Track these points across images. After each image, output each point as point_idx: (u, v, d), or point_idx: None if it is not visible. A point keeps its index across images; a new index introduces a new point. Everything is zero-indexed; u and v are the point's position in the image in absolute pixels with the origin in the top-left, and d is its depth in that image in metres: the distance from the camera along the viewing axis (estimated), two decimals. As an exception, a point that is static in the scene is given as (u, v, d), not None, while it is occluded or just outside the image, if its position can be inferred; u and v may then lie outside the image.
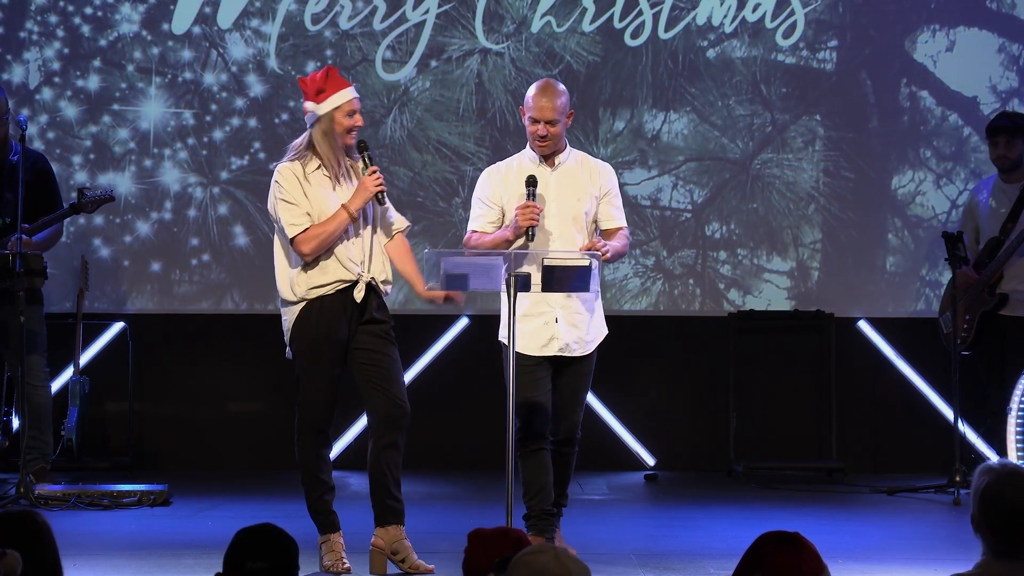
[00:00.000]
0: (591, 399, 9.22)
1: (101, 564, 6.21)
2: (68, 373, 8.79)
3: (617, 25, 9.25)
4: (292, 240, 6.08)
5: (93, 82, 9.17)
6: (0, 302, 7.89)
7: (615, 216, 6.53)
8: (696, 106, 9.29)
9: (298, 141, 6.24)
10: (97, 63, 9.17)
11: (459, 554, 3.88)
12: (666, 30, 9.26)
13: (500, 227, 6.43)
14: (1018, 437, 7.22)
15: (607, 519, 7.81)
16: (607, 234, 6.51)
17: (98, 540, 6.82)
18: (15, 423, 8.57)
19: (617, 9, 9.23)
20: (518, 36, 9.23)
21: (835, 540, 6.73)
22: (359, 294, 6.10)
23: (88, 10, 9.17)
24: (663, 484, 9.05)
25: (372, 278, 6.15)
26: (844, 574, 5.90)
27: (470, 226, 6.51)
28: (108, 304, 9.21)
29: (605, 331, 6.59)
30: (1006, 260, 8.38)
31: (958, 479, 8.17)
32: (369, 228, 6.20)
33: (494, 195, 6.46)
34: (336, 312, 6.09)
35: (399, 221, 6.35)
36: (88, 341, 9.06)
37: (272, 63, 9.18)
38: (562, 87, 6.47)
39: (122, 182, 9.17)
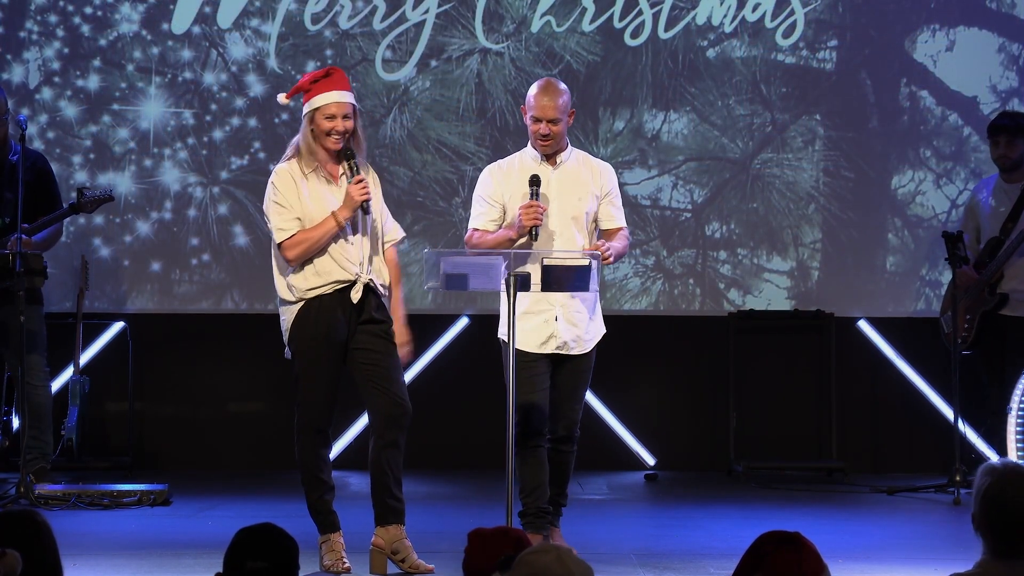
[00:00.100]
0: (591, 399, 9.23)
1: (101, 564, 6.21)
2: (68, 373, 8.79)
3: (617, 25, 9.25)
4: (279, 245, 6.11)
5: (93, 82, 9.17)
6: (0, 302, 7.89)
7: (615, 216, 6.54)
8: (696, 106, 9.29)
9: (296, 138, 6.25)
10: (97, 63, 9.17)
11: (459, 554, 3.88)
12: (666, 30, 9.26)
13: (501, 225, 6.43)
14: (1018, 437, 7.22)
15: (607, 519, 7.81)
16: (607, 234, 6.52)
17: (98, 540, 6.82)
18: (15, 423, 8.57)
19: (617, 9, 9.23)
20: (518, 36, 9.23)
21: (835, 540, 6.73)
22: (356, 295, 6.10)
23: (88, 10, 9.17)
24: (663, 484, 9.05)
25: (371, 280, 6.15)
26: (844, 574, 5.90)
27: (471, 224, 6.51)
28: (108, 304, 9.22)
29: (603, 330, 6.59)
30: (1006, 260, 8.38)
31: (958, 479, 8.17)
32: (369, 231, 6.19)
33: (495, 193, 6.46)
34: (334, 312, 6.09)
35: (391, 232, 6.33)
36: (88, 341, 9.06)
37: (272, 63, 9.18)
38: (563, 86, 6.47)
39: (122, 182, 9.17)
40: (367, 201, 6.06)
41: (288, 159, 6.19)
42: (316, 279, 6.09)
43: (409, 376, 9.18)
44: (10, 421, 8.63)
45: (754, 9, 9.27)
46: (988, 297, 8.44)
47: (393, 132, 9.24)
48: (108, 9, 9.17)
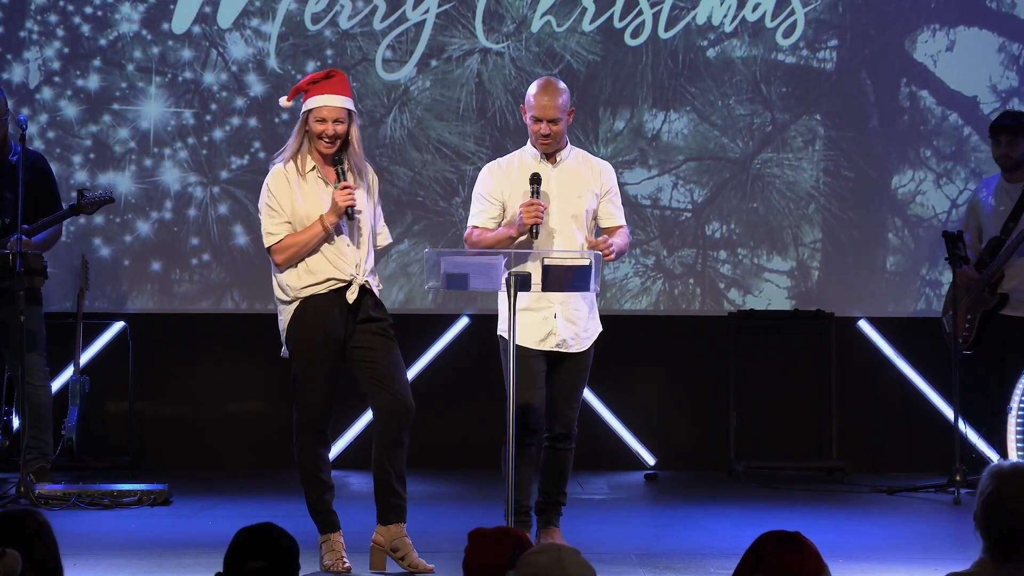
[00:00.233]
0: (591, 398, 9.23)
1: (101, 563, 6.21)
2: (68, 372, 8.79)
3: (617, 25, 9.25)
4: (268, 249, 6.14)
5: (93, 81, 9.17)
6: (0, 301, 7.89)
7: (615, 214, 6.55)
8: (696, 106, 9.29)
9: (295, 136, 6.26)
10: (97, 62, 9.17)
11: (459, 553, 3.87)
12: (666, 30, 9.26)
13: (500, 223, 6.43)
14: (1018, 437, 7.22)
15: (607, 518, 7.81)
16: (608, 232, 6.53)
17: (98, 539, 6.82)
18: (15, 423, 8.57)
19: (617, 9, 9.23)
20: (518, 36, 9.23)
21: (835, 539, 6.73)
22: (351, 296, 6.10)
23: (88, 9, 9.17)
24: (663, 483, 9.05)
25: (366, 281, 6.15)
26: (844, 574, 5.90)
27: (471, 222, 6.51)
28: (108, 304, 9.22)
29: (600, 328, 6.59)
30: (1007, 259, 8.38)
31: (958, 478, 8.17)
32: (367, 232, 6.19)
33: (495, 191, 6.47)
34: (331, 311, 6.09)
35: (381, 237, 6.34)
36: (88, 340, 9.06)
37: (272, 63, 9.18)
38: (563, 85, 6.48)
39: (122, 182, 9.17)
40: (352, 207, 6.06)
41: (286, 158, 6.19)
42: (309, 277, 6.10)
43: (410, 376, 9.13)
44: (10, 421, 8.63)
45: (754, 9, 9.27)
46: (988, 297, 8.44)
47: (393, 132, 9.24)
48: (108, 9, 9.17)
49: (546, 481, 6.58)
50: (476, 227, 6.47)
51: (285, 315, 6.16)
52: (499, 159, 6.67)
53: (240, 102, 9.20)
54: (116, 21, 9.18)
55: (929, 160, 9.38)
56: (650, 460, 9.37)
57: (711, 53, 9.29)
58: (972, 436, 8.73)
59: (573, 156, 6.55)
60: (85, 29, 9.17)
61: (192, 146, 9.20)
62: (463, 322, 9.32)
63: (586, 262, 6.00)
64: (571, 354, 6.46)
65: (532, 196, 6.28)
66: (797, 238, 9.36)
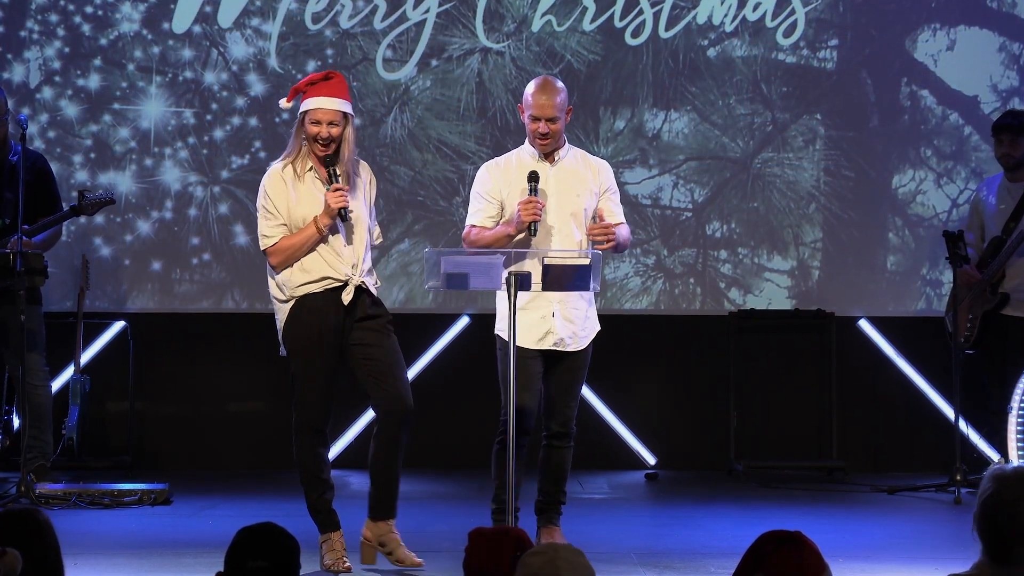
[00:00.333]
0: (592, 398, 9.23)
1: (102, 563, 6.21)
2: (69, 372, 8.79)
3: (618, 24, 9.25)
4: (263, 251, 6.17)
5: (94, 81, 9.17)
6: (0, 301, 7.89)
7: (615, 212, 6.55)
8: (697, 105, 9.29)
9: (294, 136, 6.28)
10: (98, 62, 9.17)
11: (459, 553, 3.87)
12: (666, 29, 9.26)
13: (499, 222, 6.43)
14: (1019, 436, 7.22)
15: (608, 518, 7.81)
16: None
17: (99, 539, 6.82)
18: (15, 422, 8.57)
19: (617, 8, 9.23)
20: (519, 35, 9.23)
21: (836, 539, 6.72)
22: (347, 297, 6.11)
23: (88, 9, 9.17)
24: (664, 483, 9.05)
25: (363, 281, 6.15)
26: (845, 573, 5.90)
27: (469, 220, 6.52)
28: (109, 303, 9.22)
29: (598, 326, 6.59)
30: (1007, 259, 8.38)
31: (959, 478, 8.17)
32: (362, 232, 6.19)
33: (493, 190, 6.47)
34: (327, 311, 6.10)
35: (372, 235, 6.35)
36: (89, 340, 9.06)
37: (273, 62, 9.18)
38: (560, 84, 6.48)
39: (123, 181, 9.17)
40: (345, 209, 6.06)
41: (284, 158, 6.21)
42: (304, 276, 6.11)
43: (410, 375, 9.14)
44: (10, 420, 8.63)
45: (755, 8, 9.27)
46: (989, 297, 8.44)
47: (394, 131, 9.24)
48: (109, 8, 9.17)
49: (545, 480, 6.58)
50: (474, 226, 6.47)
51: (281, 314, 6.18)
52: (497, 158, 6.67)
53: (241, 102, 9.20)
54: (117, 21, 9.18)
55: (930, 159, 9.38)
56: (650, 459, 9.37)
57: (712, 53, 9.29)
58: (973, 436, 8.72)
59: (571, 155, 6.55)
60: (86, 29, 9.17)
61: (193, 146, 9.20)
62: (463, 321, 9.32)
63: (586, 261, 6.00)
64: (569, 353, 6.46)
65: (530, 194, 6.28)
66: (798, 238, 9.36)
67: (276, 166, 6.20)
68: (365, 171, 6.29)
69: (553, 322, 6.40)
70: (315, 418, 6.15)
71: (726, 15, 9.26)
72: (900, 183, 9.38)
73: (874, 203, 9.38)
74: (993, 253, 8.45)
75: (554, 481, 6.56)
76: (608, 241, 6.30)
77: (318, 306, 6.10)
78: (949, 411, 8.76)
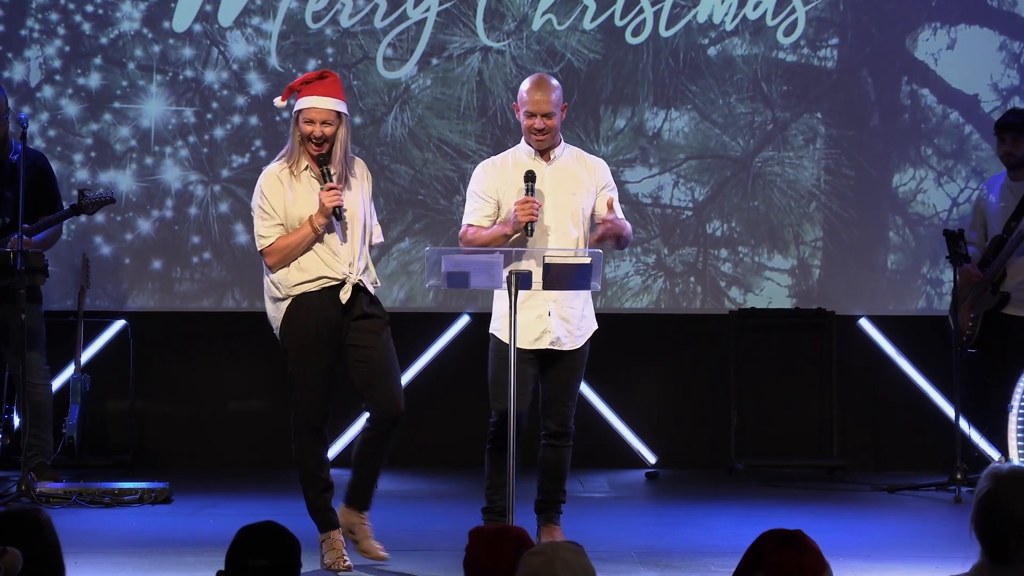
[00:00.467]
0: (592, 397, 9.23)
1: (102, 562, 6.21)
2: (69, 371, 8.79)
3: (618, 23, 9.25)
4: (260, 251, 6.18)
5: (94, 80, 9.17)
6: (0, 300, 7.89)
7: (614, 208, 6.54)
8: (697, 104, 9.29)
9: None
10: (98, 61, 9.17)
11: (459, 552, 3.87)
12: (667, 28, 9.26)
13: (495, 221, 6.43)
14: (1019, 435, 7.21)
15: (608, 517, 7.81)
16: None
17: (99, 538, 6.82)
18: (16, 421, 8.57)
19: (618, 7, 9.23)
20: (519, 34, 9.23)
21: (836, 538, 6.72)
22: (345, 296, 6.11)
23: (89, 8, 9.16)
24: (664, 482, 9.05)
25: (360, 280, 6.15)
26: (846, 572, 5.90)
27: (465, 220, 6.52)
28: (109, 302, 9.22)
29: (595, 325, 6.58)
30: (1007, 258, 8.37)
31: (959, 477, 8.17)
32: (360, 231, 6.19)
33: (490, 189, 6.47)
34: (324, 310, 6.10)
35: (373, 234, 6.35)
36: (89, 339, 9.06)
37: (273, 61, 9.18)
38: (555, 81, 6.49)
39: (123, 180, 9.17)
40: (340, 207, 6.07)
41: (280, 158, 6.22)
42: (301, 275, 6.12)
43: (410, 374, 9.19)
44: (11, 419, 8.63)
45: (755, 7, 9.27)
46: (990, 296, 8.44)
47: (394, 130, 9.24)
48: (109, 7, 9.17)
49: (544, 479, 6.58)
50: (471, 225, 6.47)
51: (278, 312, 6.18)
52: (493, 157, 6.68)
53: (241, 100, 9.20)
54: (117, 19, 9.18)
55: (930, 158, 9.38)
56: (651, 458, 9.37)
57: (712, 51, 9.29)
58: (973, 435, 8.72)
59: (567, 153, 6.55)
60: (86, 27, 9.17)
61: (193, 144, 9.20)
62: (464, 320, 9.32)
63: (587, 260, 6.00)
64: (566, 352, 6.45)
65: (527, 193, 6.28)
66: (798, 236, 9.36)
67: (272, 167, 6.23)
68: (361, 169, 6.29)
69: (549, 321, 6.39)
70: (313, 417, 6.15)
71: (726, 14, 9.26)
72: (900, 182, 9.38)
73: (874, 202, 9.38)
74: (994, 252, 8.44)
75: (553, 480, 6.56)
76: (609, 226, 6.31)
77: (315, 305, 6.11)
78: (950, 410, 8.76)
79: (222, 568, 3.41)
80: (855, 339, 9.40)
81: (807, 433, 9.44)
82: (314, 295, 6.12)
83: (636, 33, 9.27)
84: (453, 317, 9.32)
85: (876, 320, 9.41)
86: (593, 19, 9.24)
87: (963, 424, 8.41)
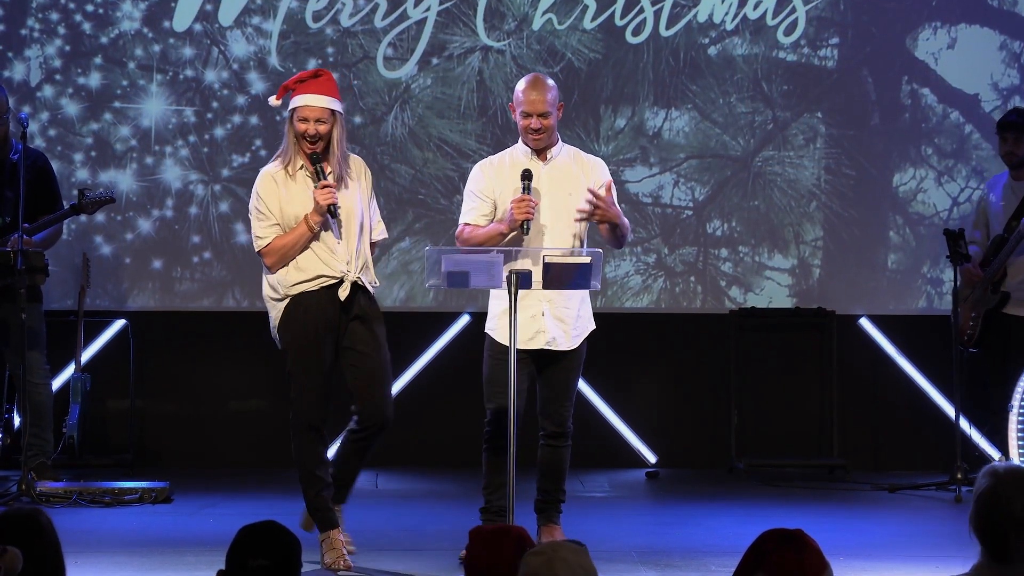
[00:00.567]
0: (593, 396, 9.23)
1: (103, 561, 6.22)
2: (69, 370, 8.78)
3: (618, 22, 9.25)
4: (258, 252, 6.19)
5: (94, 79, 9.17)
6: (0, 299, 7.89)
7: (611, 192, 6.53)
8: (697, 103, 9.29)
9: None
10: (98, 60, 9.17)
11: (458, 552, 3.87)
12: (667, 27, 9.26)
13: (492, 220, 6.43)
14: (1019, 435, 7.22)
15: (608, 516, 7.81)
16: None
17: (100, 537, 6.82)
18: (16, 421, 8.57)
19: (618, 6, 9.23)
20: (519, 33, 9.23)
21: (837, 537, 6.72)
22: (344, 293, 6.11)
23: (89, 7, 9.16)
24: (664, 481, 9.05)
25: (359, 278, 6.16)
26: (846, 571, 5.90)
27: (462, 219, 6.52)
28: (109, 301, 9.21)
29: (593, 325, 6.58)
30: (1007, 257, 8.38)
31: (960, 476, 8.17)
32: (358, 229, 6.19)
33: (487, 188, 6.48)
34: (322, 309, 6.11)
35: (375, 231, 6.36)
36: (89, 338, 9.05)
37: (273, 60, 9.18)
38: (551, 81, 6.50)
39: (123, 179, 9.17)
40: (334, 205, 6.07)
41: (276, 159, 6.24)
42: (299, 275, 6.13)
43: (410, 374, 9.20)
44: (11, 419, 8.63)
45: (755, 7, 9.27)
46: (990, 295, 8.44)
47: (394, 130, 9.24)
48: (109, 7, 9.17)
49: (543, 479, 6.58)
50: (467, 224, 6.48)
51: (275, 313, 6.19)
52: (491, 157, 6.69)
53: (241, 100, 9.20)
54: (117, 19, 9.17)
55: (930, 158, 9.38)
56: (651, 458, 9.36)
57: (712, 51, 9.29)
58: (974, 434, 8.72)
59: (564, 153, 6.55)
60: (86, 27, 9.17)
61: (193, 144, 9.20)
62: (464, 320, 9.31)
63: (587, 260, 6.00)
64: (561, 352, 6.45)
65: (524, 192, 6.28)
66: (798, 236, 9.36)
67: (268, 167, 6.25)
68: (358, 166, 6.30)
69: (543, 321, 6.39)
70: (312, 416, 6.16)
71: (727, 13, 9.26)
72: (901, 181, 9.38)
73: (875, 201, 9.38)
74: (995, 251, 8.45)
75: (552, 480, 6.56)
76: (604, 214, 6.29)
77: (313, 304, 6.11)
78: (950, 409, 8.76)
79: (222, 568, 3.41)
80: (855, 339, 9.40)
81: (807, 433, 9.44)
82: (312, 294, 6.12)
83: (636, 33, 9.27)
84: (453, 317, 9.32)
85: (876, 320, 9.41)
86: (593, 19, 9.24)
87: (963, 424, 8.41)
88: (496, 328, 6.42)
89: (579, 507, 7.47)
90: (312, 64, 9.04)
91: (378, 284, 6.35)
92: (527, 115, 6.41)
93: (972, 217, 8.85)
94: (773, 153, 9.33)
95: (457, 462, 9.14)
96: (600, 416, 9.28)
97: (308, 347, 6.11)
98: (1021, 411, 7.19)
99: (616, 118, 9.28)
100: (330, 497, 6.22)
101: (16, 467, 8.07)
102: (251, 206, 6.24)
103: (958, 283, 8.42)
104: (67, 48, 9.17)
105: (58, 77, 9.17)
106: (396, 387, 9.20)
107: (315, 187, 6.10)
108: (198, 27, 9.18)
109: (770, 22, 9.28)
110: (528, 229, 6.25)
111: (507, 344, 6.19)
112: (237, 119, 9.20)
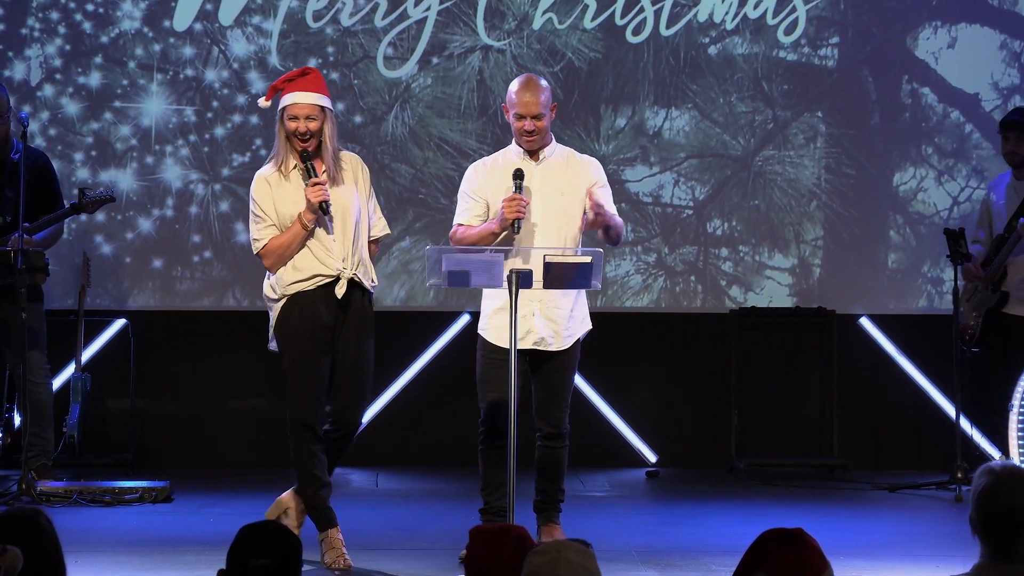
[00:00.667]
0: (592, 396, 9.23)
1: (103, 561, 6.22)
2: (70, 370, 8.78)
3: (619, 22, 9.25)
4: (256, 254, 6.22)
5: (95, 79, 9.17)
6: (0, 299, 7.89)
7: (606, 203, 6.52)
8: (698, 103, 9.29)
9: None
10: (99, 60, 9.17)
11: (458, 551, 3.87)
12: (667, 27, 9.26)
13: (485, 221, 6.44)
14: (1019, 435, 7.21)
15: (609, 516, 7.81)
16: None
17: (100, 537, 6.82)
18: (16, 420, 8.57)
19: (618, 6, 9.23)
20: (519, 33, 9.23)
21: (837, 537, 6.73)
22: (340, 291, 6.12)
23: (90, 7, 9.16)
24: (664, 481, 9.05)
25: (355, 275, 6.16)
26: (846, 571, 5.90)
27: (456, 220, 6.55)
28: (110, 301, 9.22)
29: (589, 326, 6.57)
30: (1007, 257, 8.37)
31: (960, 476, 8.17)
32: (354, 226, 6.19)
33: (480, 189, 6.49)
34: (318, 308, 6.12)
35: (376, 228, 6.37)
36: (90, 338, 9.06)
37: (273, 60, 9.18)
38: (544, 81, 6.50)
39: (123, 179, 9.17)
40: (326, 202, 6.08)
41: (269, 161, 6.25)
42: (295, 274, 6.14)
43: (410, 374, 9.20)
44: (11, 418, 8.63)
45: (756, 6, 9.27)
46: (991, 294, 8.44)
47: (395, 129, 9.24)
48: (110, 6, 9.17)
49: (542, 479, 6.59)
50: (461, 224, 6.50)
51: (273, 313, 6.21)
52: (485, 158, 6.73)
53: (241, 99, 9.20)
54: (118, 18, 9.17)
55: (931, 157, 9.38)
56: (651, 457, 9.36)
57: (712, 50, 9.29)
58: (974, 434, 8.72)
59: (557, 153, 6.56)
60: (87, 26, 9.17)
61: (193, 143, 9.20)
62: (464, 319, 9.31)
63: (587, 259, 6.00)
64: (553, 353, 6.44)
65: (515, 191, 6.29)
66: (799, 235, 9.36)
67: (262, 170, 6.28)
68: (353, 163, 6.30)
69: (533, 321, 6.38)
70: (308, 414, 6.17)
71: (727, 13, 9.26)
72: (901, 181, 9.38)
73: (875, 201, 9.38)
74: (996, 251, 8.45)
75: (551, 480, 6.56)
76: (598, 214, 6.31)
77: (309, 303, 6.13)
78: (950, 409, 8.76)
79: (223, 567, 3.41)
80: (856, 338, 9.40)
81: (807, 432, 9.44)
82: (308, 294, 6.14)
83: (637, 32, 9.27)
84: (453, 316, 9.32)
85: (877, 319, 9.41)
86: (594, 18, 9.24)
87: (964, 423, 8.41)
88: (488, 328, 6.44)
89: (579, 507, 7.47)
90: (312, 63, 9.04)
91: (377, 284, 6.35)
92: (521, 117, 6.42)
93: (976, 217, 8.85)
94: (773, 152, 9.33)
95: (457, 462, 9.14)
96: (600, 416, 9.28)
97: (303, 346, 6.13)
98: (1021, 411, 7.19)
99: (616, 117, 9.28)
100: (328, 496, 6.22)
101: (16, 467, 8.07)
102: (249, 208, 6.27)
103: (959, 283, 8.42)
104: (67, 47, 9.17)
105: (58, 76, 9.17)
106: (396, 386, 9.23)
107: (306, 185, 6.11)
108: (198, 26, 9.18)
109: (770, 21, 9.28)
110: (519, 228, 6.26)
111: (499, 344, 6.21)
112: (237, 118, 9.20)
